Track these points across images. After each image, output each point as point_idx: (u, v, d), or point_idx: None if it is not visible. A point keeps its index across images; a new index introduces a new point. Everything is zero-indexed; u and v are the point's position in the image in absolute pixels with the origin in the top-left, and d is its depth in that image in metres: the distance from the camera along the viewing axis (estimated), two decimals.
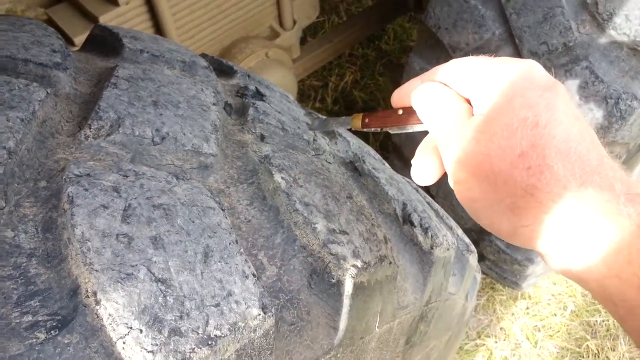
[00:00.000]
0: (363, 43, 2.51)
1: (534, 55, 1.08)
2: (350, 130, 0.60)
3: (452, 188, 0.42)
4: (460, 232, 0.85)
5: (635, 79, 1.05)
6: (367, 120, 0.54)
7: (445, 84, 0.44)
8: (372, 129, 0.54)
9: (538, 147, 0.36)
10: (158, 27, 1.26)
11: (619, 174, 0.35)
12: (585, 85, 1.06)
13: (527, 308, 1.84)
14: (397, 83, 1.40)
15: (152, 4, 1.21)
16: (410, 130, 0.50)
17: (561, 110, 0.37)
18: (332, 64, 2.43)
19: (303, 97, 2.36)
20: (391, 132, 0.53)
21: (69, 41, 1.18)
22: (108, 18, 1.17)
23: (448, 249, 0.71)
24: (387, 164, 0.86)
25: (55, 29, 1.21)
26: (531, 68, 0.39)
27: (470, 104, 0.42)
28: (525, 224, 0.37)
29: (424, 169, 0.45)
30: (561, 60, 1.06)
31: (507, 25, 1.10)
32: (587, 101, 1.06)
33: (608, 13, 1.02)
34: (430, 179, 0.45)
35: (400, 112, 0.50)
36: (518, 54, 1.10)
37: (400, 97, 0.50)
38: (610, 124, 1.07)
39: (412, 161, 0.46)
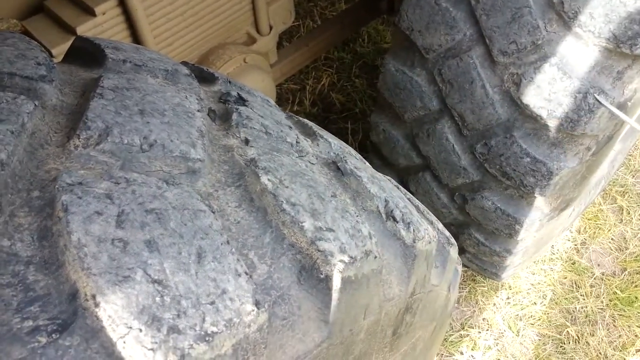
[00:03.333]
0: (338, 46, 2.55)
1: (504, 54, 1.12)
2: None
3: None
4: (440, 226, 0.88)
5: (601, 74, 1.10)
6: None
7: None
8: None
9: None
10: (135, 37, 1.27)
11: None
12: (554, 81, 1.10)
13: (508, 298, 1.89)
14: (373, 84, 1.43)
15: (129, 14, 1.21)
16: None
17: None
18: (309, 67, 2.46)
19: (281, 100, 2.38)
20: None
21: (47, 53, 1.17)
22: (85, 29, 1.17)
23: (430, 242, 0.73)
24: (367, 163, 0.89)
25: None
26: None
27: None
28: None
29: None
30: (530, 58, 1.11)
31: (478, 26, 1.14)
32: (556, 96, 1.11)
33: (573, 12, 1.06)
34: None
35: None
36: (489, 53, 1.14)
37: None
38: (579, 118, 1.12)
39: None
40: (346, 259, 0.54)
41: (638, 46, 1.03)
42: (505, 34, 1.11)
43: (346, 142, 2.21)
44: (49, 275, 0.41)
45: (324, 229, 0.56)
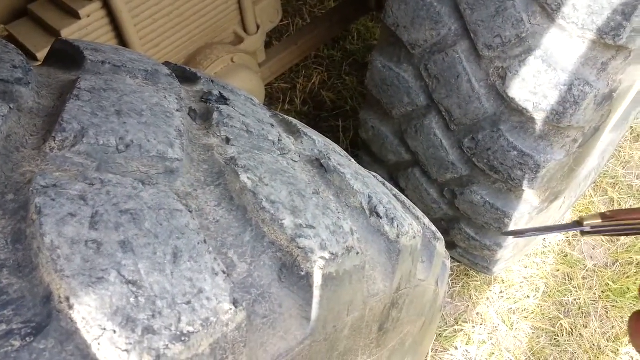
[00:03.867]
0: (328, 44, 2.55)
1: (489, 48, 1.12)
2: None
3: None
4: (427, 221, 0.88)
5: (586, 65, 1.10)
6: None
7: None
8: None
9: None
10: (121, 38, 1.26)
11: None
12: (539, 74, 1.10)
13: (501, 292, 1.90)
14: (364, 82, 1.43)
15: (113, 16, 1.21)
16: None
17: None
18: (299, 66, 2.46)
19: (272, 99, 2.38)
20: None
21: (31, 56, 1.17)
22: (70, 32, 1.17)
23: (414, 237, 0.73)
24: (353, 160, 0.89)
25: (16, 45, 1.21)
26: None
27: None
28: None
29: None
30: (515, 51, 1.11)
31: (462, 21, 1.14)
32: (541, 89, 1.11)
33: (557, 4, 1.06)
34: None
35: None
36: (474, 47, 1.14)
37: None
38: (565, 110, 1.12)
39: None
40: (327, 255, 0.54)
41: (621, 37, 1.03)
42: (489, 27, 1.11)
43: (337, 139, 2.22)
44: (23, 278, 0.40)
45: (305, 226, 0.56)
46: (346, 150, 2.19)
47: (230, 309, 0.44)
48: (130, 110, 0.56)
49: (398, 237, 0.69)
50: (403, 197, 0.89)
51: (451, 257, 1.67)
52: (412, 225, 0.74)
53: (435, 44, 1.20)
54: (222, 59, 1.47)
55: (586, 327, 1.83)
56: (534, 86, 1.11)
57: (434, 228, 0.89)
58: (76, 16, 1.18)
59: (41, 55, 1.17)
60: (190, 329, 0.41)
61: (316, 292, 0.54)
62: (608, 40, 1.04)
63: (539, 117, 1.13)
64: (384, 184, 0.88)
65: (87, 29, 1.20)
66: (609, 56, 1.08)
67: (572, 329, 1.82)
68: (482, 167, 1.27)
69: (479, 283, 1.91)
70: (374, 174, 0.90)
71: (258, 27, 1.60)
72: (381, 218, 0.70)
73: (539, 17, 1.09)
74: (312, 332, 0.54)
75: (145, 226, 0.44)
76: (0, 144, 0.47)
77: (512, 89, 1.13)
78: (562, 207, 1.70)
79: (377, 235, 0.69)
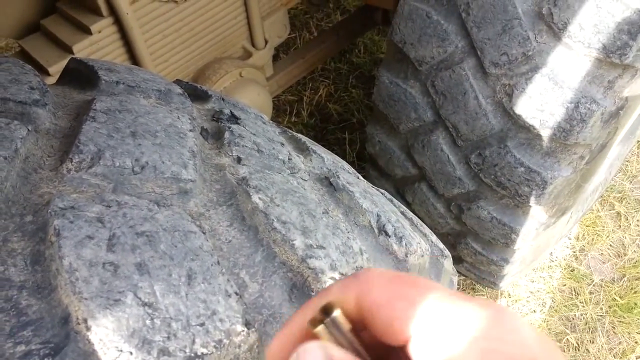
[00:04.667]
0: (335, 57, 2.57)
1: (495, 65, 1.13)
2: None
3: None
4: (434, 238, 0.89)
5: (592, 83, 1.11)
6: None
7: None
8: None
9: None
10: (132, 54, 1.28)
11: None
12: (546, 91, 1.11)
13: (508, 306, 1.89)
14: (370, 95, 1.44)
15: (124, 31, 1.23)
16: None
17: None
18: (306, 78, 2.48)
19: (279, 112, 2.39)
20: None
21: (44, 71, 1.19)
22: (81, 47, 1.19)
23: (422, 256, 0.74)
24: (361, 177, 0.90)
25: (29, 60, 1.23)
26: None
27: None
28: None
29: None
30: (521, 69, 1.12)
31: (469, 38, 1.15)
32: (548, 106, 1.12)
33: (563, 23, 1.07)
34: None
35: None
36: (481, 65, 1.15)
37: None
38: (571, 127, 1.13)
39: None
40: (337, 276, 0.55)
41: (627, 56, 1.04)
42: (496, 45, 1.12)
43: (344, 152, 2.23)
44: (42, 299, 0.41)
45: (315, 246, 0.57)
46: (353, 162, 2.20)
47: (243, 331, 0.45)
48: (145, 131, 0.57)
49: (406, 256, 0.70)
50: (411, 214, 0.90)
51: (458, 271, 1.67)
52: (420, 244, 0.74)
53: (442, 60, 1.21)
54: (230, 73, 1.49)
55: (593, 342, 1.82)
56: (541, 103, 1.12)
57: (441, 245, 0.89)
58: (88, 32, 1.20)
59: (53, 70, 1.19)
60: (204, 350, 0.42)
61: None
62: (614, 59, 1.05)
63: (546, 134, 1.14)
64: (391, 201, 0.88)
65: (98, 44, 1.23)
66: (616, 74, 1.09)
67: (578, 345, 1.81)
68: (489, 182, 1.27)
69: (486, 297, 1.91)
70: (382, 191, 0.91)
71: (266, 42, 1.63)
72: (389, 237, 0.70)
73: (545, 36, 1.10)
74: None
75: (161, 248, 0.45)
76: (19, 166, 0.48)
77: (518, 106, 1.14)
78: (569, 222, 1.69)
79: (385, 254, 0.69)
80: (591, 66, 1.09)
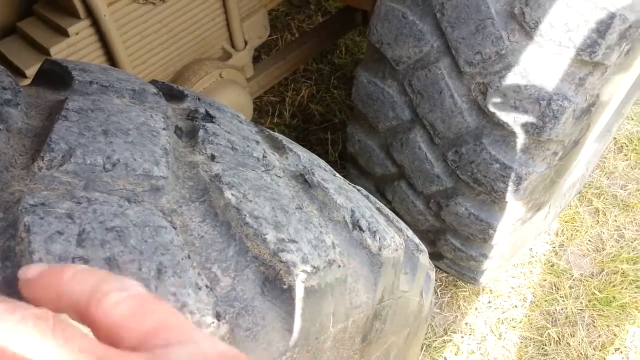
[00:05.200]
0: (316, 58, 2.58)
1: (470, 64, 1.15)
2: None
3: None
4: (410, 233, 0.90)
5: (564, 81, 1.14)
6: None
7: None
8: None
9: None
10: (110, 56, 1.28)
11: None
12: (519, 89, 1.14)
13: (489, 302, 1.92)
14: (351, 95, 1.46)
15: (102, 33, 1.23)
16: None
17: None
18: (288, 79, 2.49)
19: (261, 113, 2.40)
20: None
21: (21, 74, 1.18)
22: (59, 49, 1.18)
23: (396, 250, 0.75)
24: (338, 175, 0.91)
25: (5, 62, 1.22)
26: None
27: None
28: None
29: None
30: (495, 67, 1.14)
31: (444, 38, 1.18)
32: (521, 104, 1.14)
33: (534, 22, 1.10)
34: None
35: None
36: (456, 64, 1.18)
37: None
38: (544, 124, 1.15)
39: None
40: (308, 268, 0.56)
41: (597, 54, 1.07)
42: (470, 45, 1.15)
43: (326, 152, 2.24)
44: (12, 295, 0.42)
45: (287, 240, 0.58)
46: (335, 162, 2.21)
47: (213, 322, 0.46)
48: (116, 129, 0.57)
49: (380, 250, 0.71)
50: (387, 210, 0.91)
51: (439, 268, 1.69)
52: (394, 238, 0.76)
53: (418, 60, 1.23)
54: (210, 74, 1.49)
55: (573, 336, 1.85)
56: (514, 101, 1.15)
57: (417, 240, 0.91)
58: (65, 34, 1.20)
59: (30, 72, 1.18)
60: None
61: (298, 305, 0.55)
62: (584, 56, 1.08)
63: (520, 130, 1.16)
64: (367, 198, 0.90)
65: (76, 46, 1.22)
66: (586, 72, 1.12)
67: (559, 338, 1.85)
68: (465, 179, 1.29)
69: (467, 293, 1.93)
70: (359, 187, 0.92)
71: (246, 43, 1.63)
72: (363, 231, 0.71)
73: (517, 35, 1.12)
74: (294, 344, 0.56)
75: (131, 243, 0.46)
76: None
77: (493, 104, 1.16)
78: (547, 217, 1.73)
79: (359, 248, 0.71)
80: (562, 64, 1.12)
